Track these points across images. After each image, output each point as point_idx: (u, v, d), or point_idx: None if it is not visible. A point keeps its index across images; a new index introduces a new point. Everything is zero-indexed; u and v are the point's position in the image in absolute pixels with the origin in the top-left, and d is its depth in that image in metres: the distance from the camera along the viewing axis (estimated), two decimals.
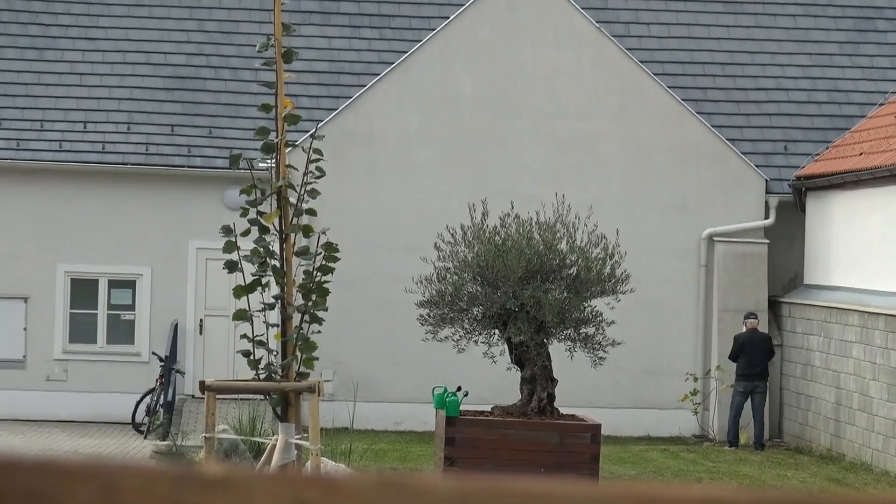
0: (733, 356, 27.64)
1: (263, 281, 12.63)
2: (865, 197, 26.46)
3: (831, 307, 26.94)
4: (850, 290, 26.50)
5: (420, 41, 29.93)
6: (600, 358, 20.56)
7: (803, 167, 29.61)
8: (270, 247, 12.66)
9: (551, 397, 19.93)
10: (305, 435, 12.60)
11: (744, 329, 27.78)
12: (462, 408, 19.74)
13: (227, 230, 12.48)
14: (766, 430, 27.96)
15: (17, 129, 30.37)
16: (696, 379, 28.79)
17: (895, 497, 1.04)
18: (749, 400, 27.54)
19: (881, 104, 29.55)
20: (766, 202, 29.53)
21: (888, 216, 25.36)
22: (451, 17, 29.78)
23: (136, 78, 31.33)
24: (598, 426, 19.85)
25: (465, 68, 29.16)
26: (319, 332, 13.08)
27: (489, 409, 20.29)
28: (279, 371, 12.62)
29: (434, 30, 30.07)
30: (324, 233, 12.78)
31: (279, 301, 12.72)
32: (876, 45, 32.62)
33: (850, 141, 28.84)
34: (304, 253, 12.80)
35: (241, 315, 12.39)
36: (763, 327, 28.25)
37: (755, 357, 27.50)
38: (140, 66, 31.53)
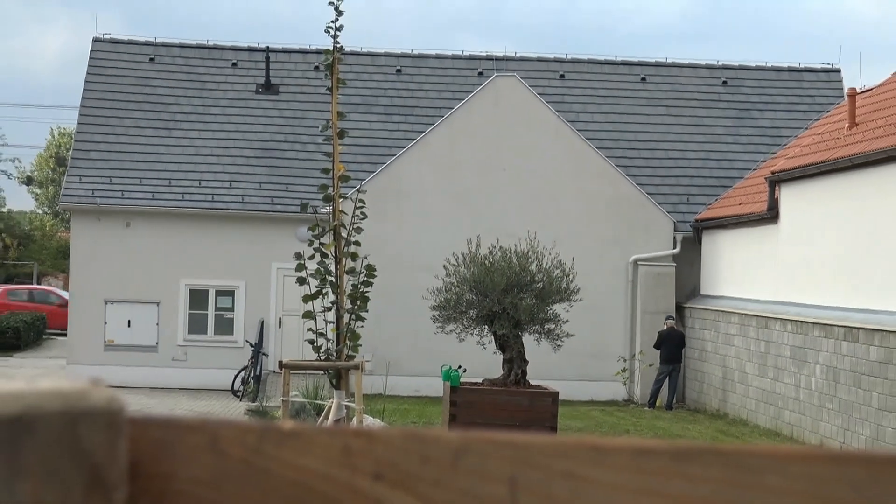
0: (657, 346, 27.58)
1: (323, 291, 12.62)
2: (743, 234, 26.46)
3: (719, 310, 26.91)
4: (733, 299, 26.48)
5: (434, 124, 29.98)
6: (558, 345, 20.55)
7: (700, 213, 29.63)
8: (328, 267, 12.65)
9: (524, 373, 19.90)
10: (352, 399, 12.57)
11: (664, 327, 27.73)
12: (462, 380, 19.72)
13: (298, 256, 12.48)
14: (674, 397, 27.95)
15: (152, 186, 30.39)
16: (625, 360, 28.79)
17: (772, 446, 1.03)
18: (668, 377, 27.54)
19: (755, 169, 29.60)
20: (674, 237, 29.52)
21: (757, 247, 25.37)
22: (455, 108, 29.85)
23: (236, 149, 31.38)
24: (557, 393, 19.83)
25: (466, 143, 29.18)
26: (362, 327, 13.05)
27: (481, 381, 20.26)
28: (334, 354, 12.60)
29: (443, 116, 30.13)
30: (366, 258, 12.80)
31: (334, 305, 12.71)
32: (752, 128, 32.68)
33: (733, 195, 28.86)
34: (351, 272, 12.79)
35: (308, 315, 12.37)
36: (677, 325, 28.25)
37: (673, 347, 27.45)
38: (238, 141, 31.58)
